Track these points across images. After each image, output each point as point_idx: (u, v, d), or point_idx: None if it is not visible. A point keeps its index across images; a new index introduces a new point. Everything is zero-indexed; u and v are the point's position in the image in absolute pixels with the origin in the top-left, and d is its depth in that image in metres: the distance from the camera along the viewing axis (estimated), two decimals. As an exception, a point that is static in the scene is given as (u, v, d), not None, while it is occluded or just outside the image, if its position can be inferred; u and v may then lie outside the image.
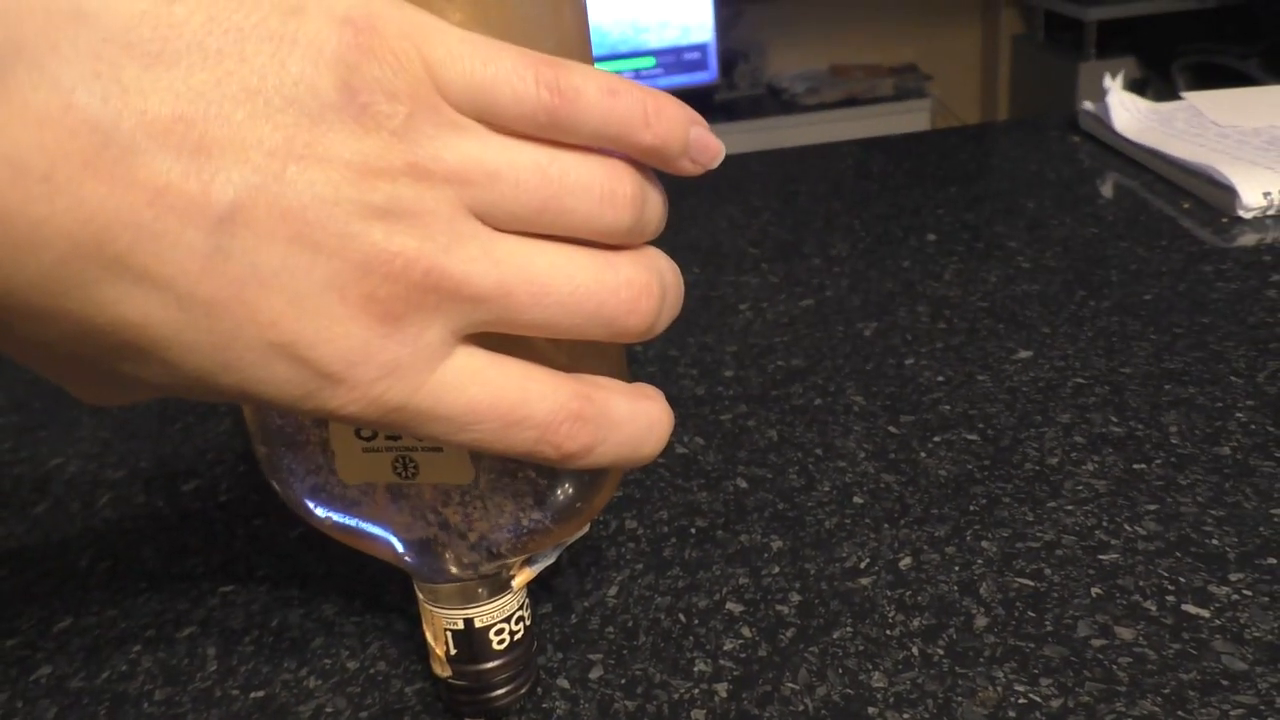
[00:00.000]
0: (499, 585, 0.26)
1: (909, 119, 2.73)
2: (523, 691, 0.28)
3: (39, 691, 0.30)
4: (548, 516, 0.24)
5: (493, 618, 0.26)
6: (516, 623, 0.27)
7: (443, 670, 0.27)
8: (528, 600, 0.27)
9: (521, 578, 0.26)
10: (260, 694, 0.29)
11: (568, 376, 0.20)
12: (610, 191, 0.19)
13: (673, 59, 2.73)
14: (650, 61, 2.69)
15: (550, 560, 0.27)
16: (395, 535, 0.25)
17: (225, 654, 0.31)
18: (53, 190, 0.15)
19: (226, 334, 0.16)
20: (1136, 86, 2.71)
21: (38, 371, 0.18)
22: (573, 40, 0.22)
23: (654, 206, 0.20)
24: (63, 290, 0.15)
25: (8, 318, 0.16)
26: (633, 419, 0.21)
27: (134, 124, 0.15)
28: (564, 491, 0.24)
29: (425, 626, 0.27)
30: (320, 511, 0.25)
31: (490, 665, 0.27)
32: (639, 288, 0.20)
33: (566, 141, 0.19)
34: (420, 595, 0.27)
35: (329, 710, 0.29)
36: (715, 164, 0.21)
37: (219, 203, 0.16)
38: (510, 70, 0.18)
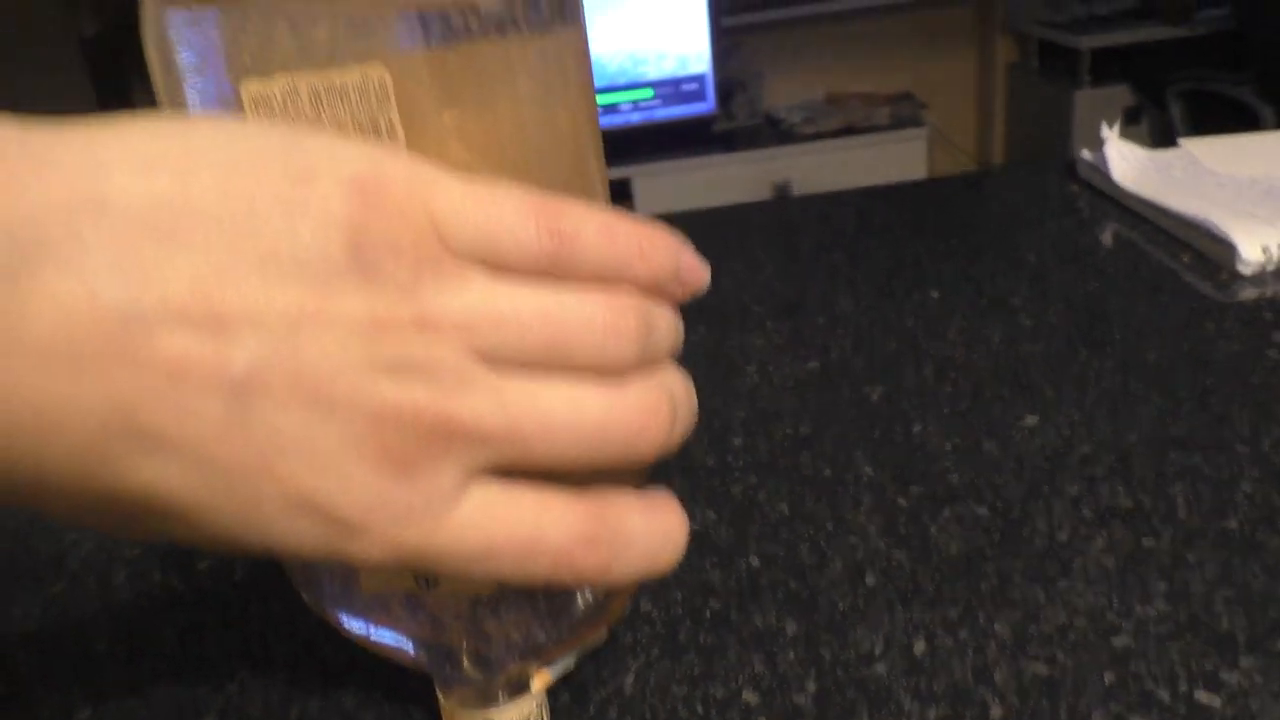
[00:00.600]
0: (518, 688, 0.26)
1: (906, 148, 2.75)
2: None
3: (60, 788, 0.30)
4: (566, 625, 0.25)
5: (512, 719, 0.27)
6: None
7: None
8: (546, 700, 0.28)
9: (540, 681, 0.27)
10: (280, 789, 0.30)
11: (581, 498, 0.21)
12: (613, 326, 0.19)
13: (671, 90, 2.75)
14: (648, 93, 2.71)
15: (570, 664, 0.27)
16: (416, 643, 0.25)
17: (245, 746, 0.31)
18: (79, 375, 0.15)
19: (248, 496, 0.17)
20: (1131, 114, 2.73)
21: (63, 523, 0.19)
22: (582, 148, 0.23)
23: (662, 332, 0.21)
24: (90, 466, 0.16)
25: (38, 492, 0.16)
26: (647, 535, 0.21)
27: (154, 303, 0.16)
28: (582, 601, 0.25)
29: None
30: (343, 619, 0.26)
31: None
32: (648, 413, 0.20)
33: (570, 278, 0.19)
34: (441, 698, 0.27)
35: (350, 807, 0.29)
36: (702, 288, 0.22)
37: (236, 371, 0.16)
38: (512, 218, 0.19)
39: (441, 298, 0.18)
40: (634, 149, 2.67)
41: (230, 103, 0.20)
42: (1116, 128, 0.68)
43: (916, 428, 0.44)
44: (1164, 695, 0.29)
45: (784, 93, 3.02)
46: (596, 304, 0.19)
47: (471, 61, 0.20)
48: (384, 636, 0.25)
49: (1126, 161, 0.66)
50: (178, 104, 0.21)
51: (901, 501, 0.39)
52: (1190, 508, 0.37)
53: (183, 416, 0.16)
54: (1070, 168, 0.73)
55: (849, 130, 2.78)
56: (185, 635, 0.36)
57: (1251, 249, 0.53)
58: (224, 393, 0.16)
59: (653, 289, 0.21)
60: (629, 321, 0.19)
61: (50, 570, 0.40)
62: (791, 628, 0.34)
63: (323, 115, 0.20)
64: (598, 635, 0.26)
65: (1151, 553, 0.35)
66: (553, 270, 0.19)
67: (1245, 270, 0.54)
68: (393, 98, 0.20)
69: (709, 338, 0.55)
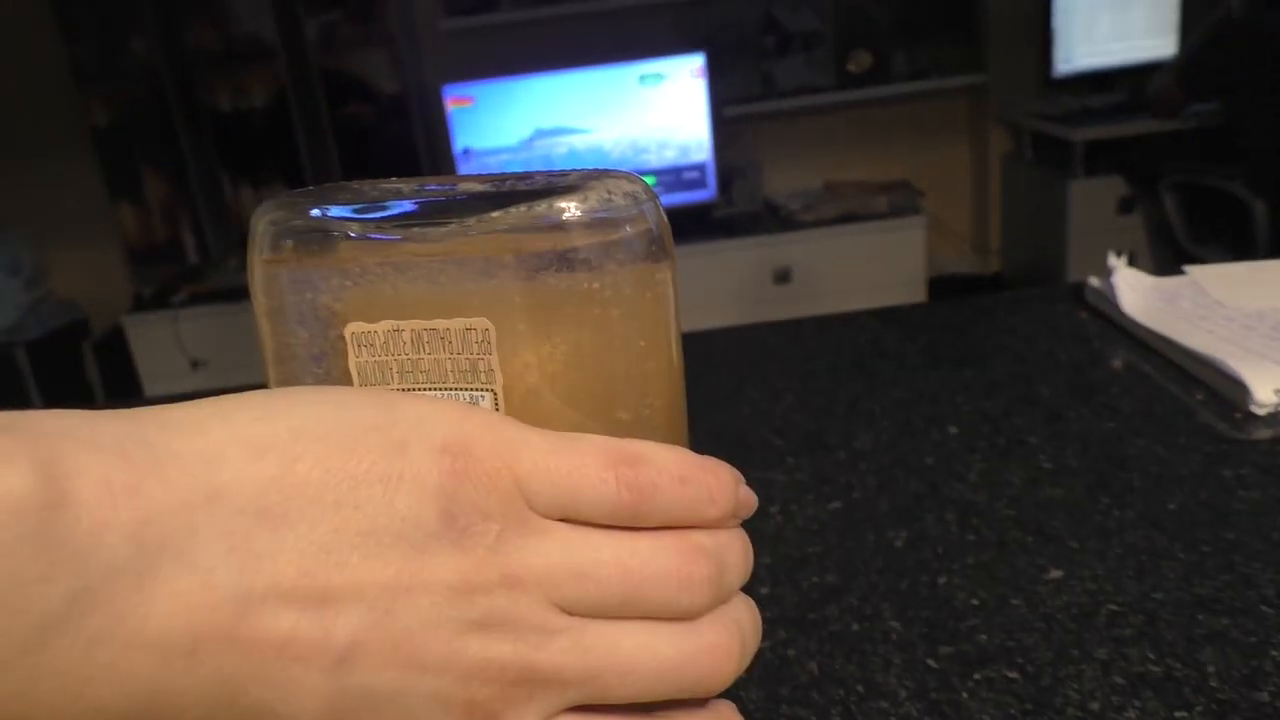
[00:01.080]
0: None
1: (904, 234, 2.80)
2: None
3: None
4: None
5: None
6: None
7: None
8: None
9: None
10: None
11: None
12: (687, 577, 0.20)
13: (673, 178, 2.80)
14: (650, 181, 2.76)
15: None
16: None
17: None
18: (196, 664, 0.16)
19: None
20: (1125, 204, 2.78)
21: None
22: (667, 378, 0.24)
23: (733, 571, 0.22)
24: None
25: None
26: None
27: (265, 588, 0.17)
28: None
29: None
30: None
31: None
32: (721, 652, 0.21)
33: (647, 525, 0.20)
34: None
35: None
36: (752, 512, 0.23)
37: (338, 643, 0.17)
38: (593, 475, 0.20)
39: (525, 554, 0.19)
40: (637, 235, 2.70)
41: (333, 341, 0.21)
42: (1125, 258, 0.70)
43: (942, 580, 0.44)
44: None
45: (783, 180, 3.08)
46: (671, 555, 0.20)
47: (568, 300, 0.21)
48: None
49: (1134, 291, 0.68)
50: (280, 343, 0.22)
51: (931, 663, 0.39)
52: (1221, 676, 0.37)
53: (287, 693, 0.17)
54: (1078, 293, 0.75)
55: (848, 218, 2.83)
56: None
57: (1264, 391, 0.54)
58: (327, 664, 0.17)
59: (720, 525, 0.22)
60: (702, 570, 0.20)
61: None
62: (828, 805, 0.34)
63: (423, 356, 0.21)
64: None
65: (1185, 727, 0.35)
66: (631, 520, 0.20)
67: (1259, 411, 0.55)
68: (494, 345, 0.21)
69: (730, 471, 0.55)
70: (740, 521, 0.23)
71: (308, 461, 0.18)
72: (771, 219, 2.90)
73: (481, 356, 0.21)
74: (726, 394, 0.66)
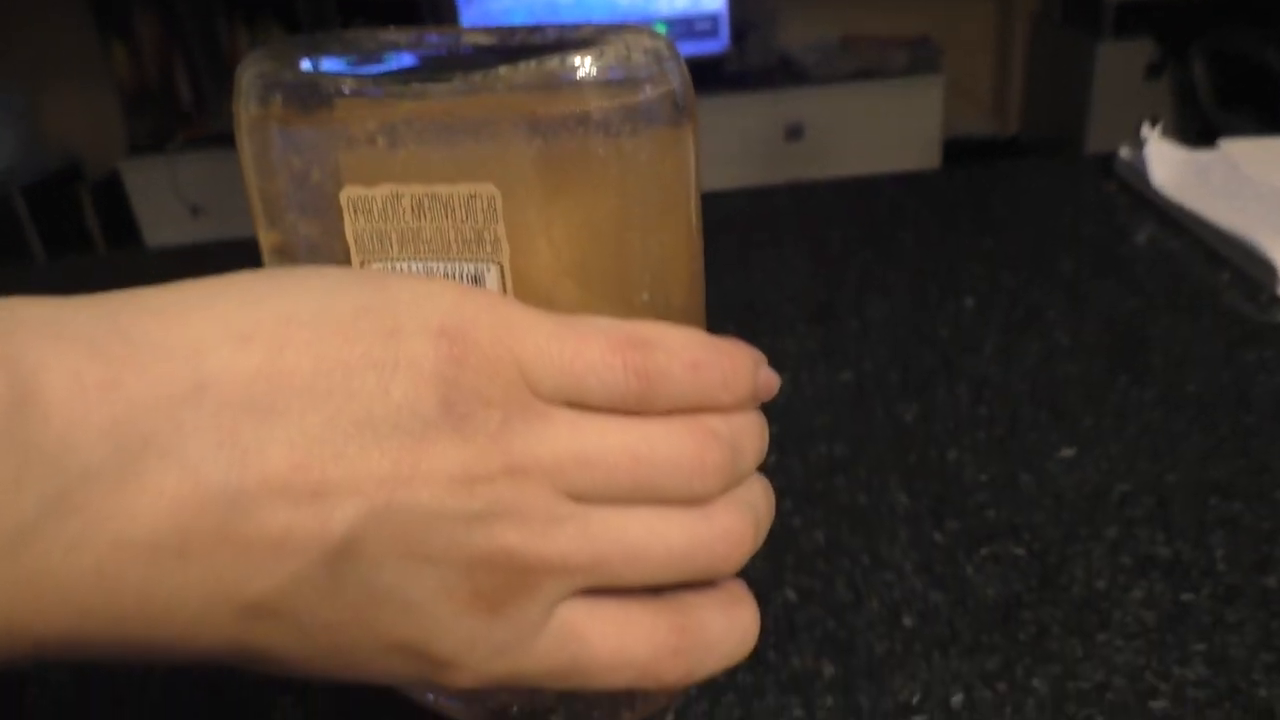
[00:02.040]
0: None
1: (922, 95, 2.71)
2: None
3: (105, 814, 0.31)
4: (627, 707, 0.25)
5: None
6: None
7: None
8: None
9: None
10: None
11: (664, 608, 0.21)
12: (700, 463, 0.19)
13: (683, 28, 2.69)
14: (660, 29, 2.65)
15: None
16: (471, 713, 0.25)
17: (287, 777, 0.32)
18: (187, 562, 0.15)
19: (346, 646, 0.17)
20: (1153, 69, 2.68)
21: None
22: (685, 249, 0.22)
23: (747, 455, 0.21)
24: (197, 636, 0.16)
25: (148, 655, 0.16)
26: (728, 636, 0.22)
27: (256, 483, 0.16)
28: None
29: None
30: (404, 690, 0.26)
31: None
32: (735, 536, 0.20)
33: (657, 412, 0.19)
34: None
35: None
36: (774, 394, 0.22)
37: (336, 536, 0.16)
38: (599, 361, 0.19)
39: (529, 442, 0.18)
40: (645, 88, 2.61)
41: (328, 205, 0.19)
42: (1159, 129, 0.67)
43: (952, 454, 0.44)
44: (1203, 770, 0.30)
45: (798, 33, 2.96)
46: (683, 440, 0.19)
47: (582, 167, 0.19)
48: (443, 701, 0.26)
49: (1165, 164, 0.65)
50: (270, 206, 0.20)
51: (938, 537, 0.39)
52: (1230, 561, 0.37)
53: (287, 585, 0.16)
54: (1106, 164, 0.72)
55: (864, 74, 2.73)
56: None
57: (1293, 271, 0.53)
58: (326, 558, 0.16)
59: (736, 410, 0.20)
60: (715, 456, 0.19)
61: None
62: (829, 671, 0.34)
63: (424, 224, 0.19)
64: (660, 714, 0.27)
65: (1190, 609, 0.35)
66: (640, 407, 0.19)
67: (1286, 292, 0.53)
68: (500, 214, 0.19)
69: (740, 338, 0.54)
70: (759, 404, 0.22)
71: (296, 349, 0.16)
72: (785, 73, 2.80)
73: (487, 226, 0.19)
74: (736, 258, 0.64)
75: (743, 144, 2.68)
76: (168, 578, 0.15)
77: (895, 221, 0.66)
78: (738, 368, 0.20)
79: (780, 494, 0.42)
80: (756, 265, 0.63)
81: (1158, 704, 0.32)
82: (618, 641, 0.20)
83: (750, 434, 0.21)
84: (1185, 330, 0.51)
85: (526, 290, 0.20)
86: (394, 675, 0.18)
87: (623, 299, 0.21)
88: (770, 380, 0.22)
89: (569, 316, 0.19)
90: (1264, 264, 0.54)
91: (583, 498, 0.18)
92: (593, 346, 0.18)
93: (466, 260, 0.19)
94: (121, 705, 0.34)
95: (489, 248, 0.19)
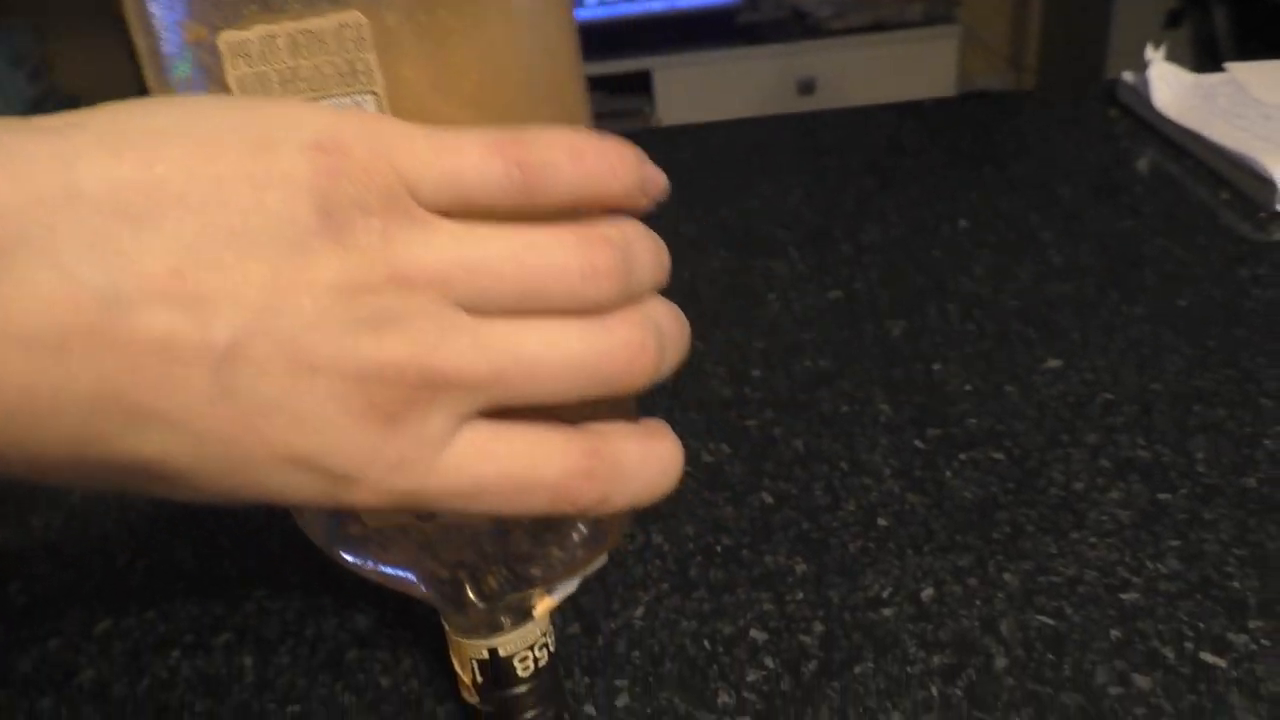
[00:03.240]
0: (522, 614, 0.27)
1: (937, 47, 2.67)
2: (550, 715, 0.29)
3: (83, 698, 0.31)
4: (566, 551, 0.25)
5: (516, 646, 0.27)
6: (540, 649, 0.28)
7: (471, 697, 0.28)
8: (551, 627, 0.28)
9: (543, 607, 0.27)
10: (297, 708, 0.30)
11: (575, 432, 0.21)
12: (590, 267, 0.19)
13: (697, -20, 2.65)
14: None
15: (571, 589, 0.27)
16: (418, 575, 0.26)
17: (262, 664, 0.32)
18: (66, 360, 0.16)
19: (241, 459, 0.17)
20: (1173, 17, 2.63)
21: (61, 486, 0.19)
22: (561, 70, 0.22)
23: (643, 267, 0.20)
24: (85, 443, 0.16)
25: (36, 468, 0.17)
26: (644, 464, 0.21)
27: (133, 286, 0.16)
28: (578, 532, 0.25)
29: (452, 655, 0.28)
30: (346, 555, 0.26)
31: (517, 691, 0.28)
32: (634, 348, 0.20)
33: (544, 207, 0.19)
34: (446, 626, 0.27)
35: (364, 730, 0.30)
36: (664, 196, 0.22)
37: (218, 344, 0.16)
38: (477, 158, 0.18)
39: (413, 250, 0.18)
40: (654, 39, 2.59)
41: (208, 54, 0.19)
42: (1162, 50, 0.65)
43: (937, 367, 0.44)
44: (1169, 655, 0.30)
45: (814, -14, 2.91)
46: (571, 245, 0.19)
47: None
48: (387, 570, 0.26)
49: (1169, 87, 0.64)
50: (155, 58, 0.20)
51: (918, 444, 0.39)
52: (1210, 463, 0.37)
53: (171, 391, 0.16)
54: (1110, 91, 0.71)
55: (877, 26, 2.69)
56: (204, 555, 0.37)
57: (1294, 190, 0.52)
58: (209, 365, 0.16)
59: (625, 205, 0.20)
60: (606, 260, 0.19)
61: (70, 477, 0.41)
62: (801, 568, 0.34)
63: (300, 62, 0.19)
64: (598, 560, 0.27)
65: (1167, 508, 0.35)
66: (527, 201, 0.19)
67: (1285, 212, 0.52)
68: (369, 40, 0.19)
69: (732, 262, 0.54)
70: (650, 203, 0.21)
71: (167, 163, 0.16)
72: (797, 26, 2.76)
73: (359, 55, 0.19)
74: (734, 187, 0.63)
75: (754, 99, 2.65)
76: (49, 373, 0.15)
77: (894, 151, 0.66)
78: (623, 154, 0.20)
79: (761, 405, 0.42)
80: (753, 194, 0.62)
81: (1128, 596, 0.32)
82: (527, 461, 0.20)
83: (642, 243, 0.20)
84: (1179, 249, 0.51)
85: (404, 116, 0.20)
86: (294, 492, 0.18)
87: (502, 121, 0.21)
88: (656, 176, 0.21)
89: (448, 127, 0.19)
90: (1264, 181, 0.53)
91: (474, 308, 0.18)
92: (471, 146, 0.18)
93: (344, 94, 0.19)
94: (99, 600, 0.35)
95: (363, 78, 0.19)
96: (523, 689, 0.28)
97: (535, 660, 0.27)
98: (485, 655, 0.27)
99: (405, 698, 0.31)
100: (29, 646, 0.33)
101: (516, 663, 0.27)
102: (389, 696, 0.31)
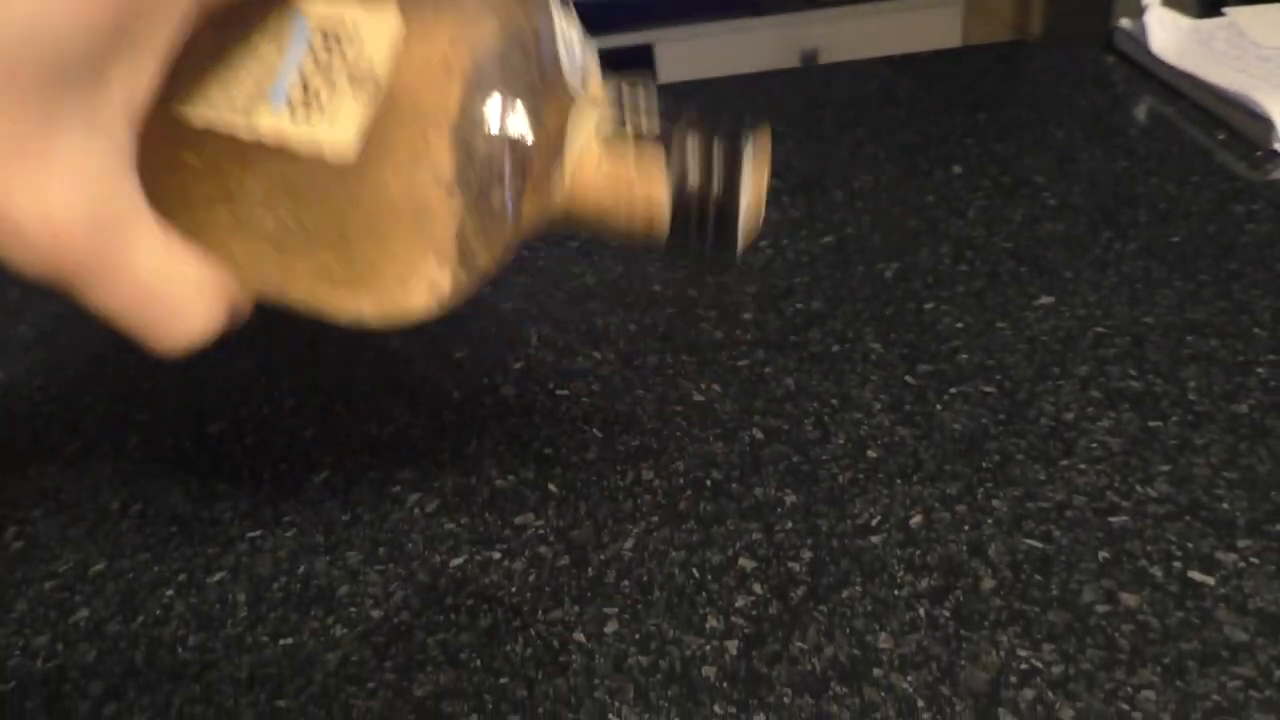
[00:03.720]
0: None
1: (940, 15, 2.64)
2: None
3: (79, 635, 0.32)
4: None
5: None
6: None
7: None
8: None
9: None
10: (289, 641, 0.31)
11: None
12: None
13: (697, -48, 2.63)
14: (670, -47, 2.60)
15: None
16: None
17: (255, 601, 0.32)
18: None
19: None
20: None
21: None
22: None
23: None
24: None
25: None
26: None
27: None
28: None
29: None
30: None
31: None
32: None
33: None
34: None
35: (355, 659, 0.30)
36: None
37: None
38: None
39: None
40: (655, 12, 2.57)
41: None
42: (1161, -6, 0.65)
43: (929, 306, 0.43)
44: (1157, 573, 0.30)
45: (815, -44, 2.89)
46: None
47: None
48: None
49: (1166, 31, 0.63)
50: None
51: (909, 380, 0.39)
52: (1201, 391, 0.37)
53: None
54: (1108, 39, 0.70)
55: (882, -3, 2.67)
56: (197, 498, 0.37)
57: (1290, 127, 0.51)
58: None
59: None
60: None
61: (64, 432, 0.41)
62: (790, 499, 0.34)
63: None
64: None
65: (1157, 434, 0.35)
66: None
67: (1282, 149, 0.52)
68: None
69: (723, 211, 0.54)
70: None
71: None
72: (800, -2, 2.74)
73: None
74: (726, 140, 0.63)
75: (757, 70, 2.63)
76: None
77: (887, 101, 0.65)
78: None
79: (752, 345, 0.42)
80: (744, 144, 0.62)
81: (1117, 519, 0.32)
82: None
83: None
84: (1173, 187, 0.50)
85: None
86: None
87: None
88: None
89: None
90: (1260, 119, 0.52)
91: None
92: None
93: None
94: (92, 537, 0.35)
95: None
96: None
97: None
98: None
99: (397, 629, 0.31)
100: (24, 588, 0.34)
101: None
102: (380, 628, 0.31)
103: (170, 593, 0.33)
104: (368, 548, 0.34)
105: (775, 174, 0.57)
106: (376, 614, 0.31)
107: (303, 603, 0.32)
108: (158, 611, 0.32)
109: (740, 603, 0.30)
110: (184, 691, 0.29)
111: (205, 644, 0.31)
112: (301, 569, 0.33)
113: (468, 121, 0.21)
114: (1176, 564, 0.30)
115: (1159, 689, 0.26)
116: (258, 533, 0.35)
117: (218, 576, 0.33)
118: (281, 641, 0.31)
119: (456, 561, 0.33)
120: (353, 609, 0.32)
